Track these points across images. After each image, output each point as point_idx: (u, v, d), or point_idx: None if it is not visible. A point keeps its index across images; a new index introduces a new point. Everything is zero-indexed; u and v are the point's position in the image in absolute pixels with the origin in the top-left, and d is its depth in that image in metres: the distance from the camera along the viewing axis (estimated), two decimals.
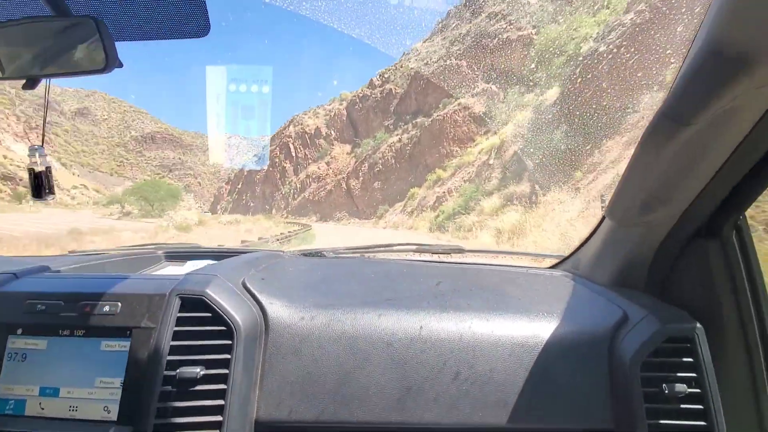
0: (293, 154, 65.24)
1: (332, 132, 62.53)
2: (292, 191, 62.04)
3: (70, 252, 1.50)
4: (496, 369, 0.76)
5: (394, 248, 1.48)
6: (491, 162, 25.98)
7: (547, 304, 0.89)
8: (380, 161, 46.53)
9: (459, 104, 39.17)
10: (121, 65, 0.72)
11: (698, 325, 0.74)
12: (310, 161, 62.77)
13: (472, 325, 0.81)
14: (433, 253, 1.50)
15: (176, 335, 0.76)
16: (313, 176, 59.08)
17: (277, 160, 66.37)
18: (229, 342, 0.76)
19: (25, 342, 0.79)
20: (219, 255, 1.41)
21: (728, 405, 0.72)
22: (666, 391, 0.70)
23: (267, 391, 0.77)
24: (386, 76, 60.04)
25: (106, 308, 0.79)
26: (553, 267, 1.31)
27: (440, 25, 48.85)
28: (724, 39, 0.47)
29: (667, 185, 0.69)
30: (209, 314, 0.78)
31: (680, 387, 0.70)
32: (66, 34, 0.70)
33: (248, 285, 0.89)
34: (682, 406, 0.70)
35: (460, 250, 1.49)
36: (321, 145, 62.49)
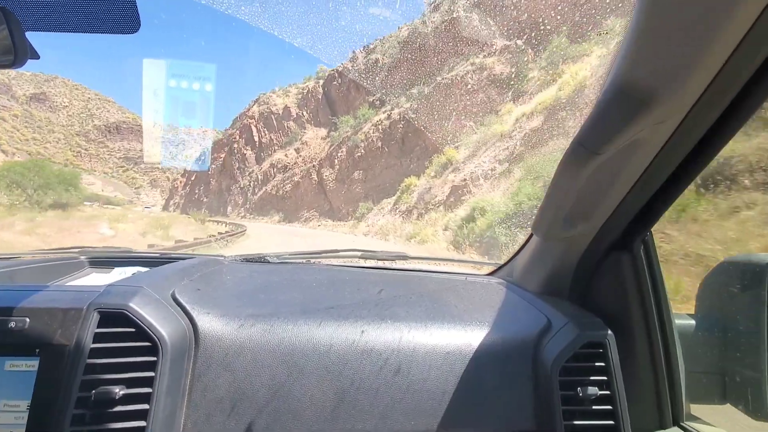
0: (256, 139, 53.17)
1: (304, 113, 50.73)
2: (252, 184, 49.93)
3: None
4: (429, 377, 0.78)
5: (340, 254, 1.53)
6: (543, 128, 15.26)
7: (481, 312, 0.92)
8: (362, 144, 34.95)
9: (472, 64, 28.03)
10: (36, 57, 0.65)
11: (609, 332, 0.80)
12: (276, 148, 50.78)
13: (409, 334, 0.82)
14: (377, 260, 1.52)
15: (94, 353, 0.71)
16: (279, 166, 47.21)
17: (236, 146, 54.15)
18: (154, 359, 0.71)
19: None
20: (151, 261, 1.34)
21: (633, 404, 0.78)
22: (580, 394, 0.75)
23: (194, 409, 0.74)
24: (372, 46, 48.35)
25: (12, 324, 0.72)
26: (490, 274, 1.35)
27: None
28: (628, 81, 0.53)
29: (584, 204, 0.76)
30: (132, 329, 0.73)
31: (592, 390, 0.76)
32: None
33: (178, 296, 0.84)
34: (594, 407, 0.76)
35: (405, 257, 1.53)
36: (290, 129, 50.55)
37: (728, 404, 0.86)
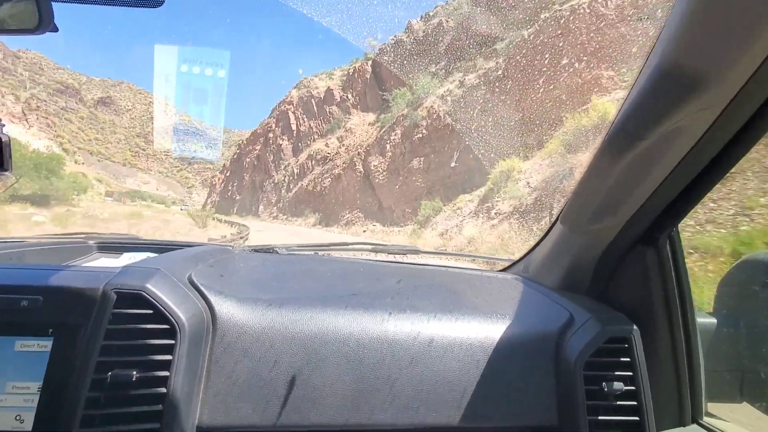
0: (293, 128, 45.89)
1: (349, 96, 42.52)
2: (287, 179, 42.40)
3: None
4: (450, 369, 0.76)
5: (350, 247, 1.50)
6: None
7: (500, 305, 0.91)
8: (424, 123, 25.74)
9: None
10: (55, 29, 0.65)
11: (635, 327, 0.79)
12: (315, 137, 43.02)
13: (429, 326, 0.81)
14: (389, 254, 1.50)
15: (109, 334, 0.68)
16: (318, 157, 39.33)
17: (271, 135, 47.24)
18: (172, 342, 0.69)
19: None
20: (159, 247, 1.33)
21: (656, 400, 0.77)
22: (605, 389, 0.74)
23: (212, 394, 0.72)
24: (432, 13, 38.87)
25: (24, 303, 0.69)
26: (504, 270, 1.33)
27: None
28: (676, 64, 0.51)
29: (615, 196, 0.74)
30: (150, 311, 0.71)
31: (618, 385, 0.74)
32: None
33: (195, 280, 0.82)
34: (619, 402, 0.75)
35: (416, 251, 1.51)
36: (332, 115, 42.53)
37: (745, 402, 0.85)
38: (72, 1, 0.65)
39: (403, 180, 25.94)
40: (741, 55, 0.47)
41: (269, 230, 25.89)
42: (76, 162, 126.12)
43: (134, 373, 0.65)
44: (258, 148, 50.16)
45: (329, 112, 43.77)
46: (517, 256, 1.32)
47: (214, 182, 65.06)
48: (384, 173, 27.95)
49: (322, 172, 36.64)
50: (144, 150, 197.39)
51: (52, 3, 0.62)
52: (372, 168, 29.14)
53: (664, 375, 0.82)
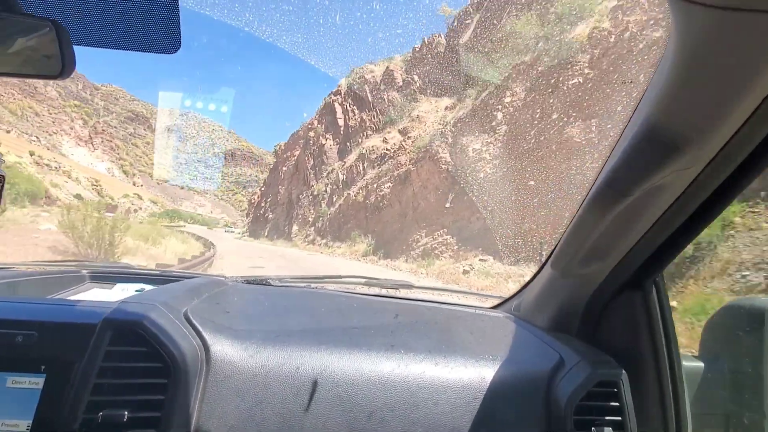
0: (341, 123, 34.68)
1: (415, 78, 30.56)
2: (329, 189, 30.68)
3: None
4: (441, 411, 0.76)
5: (344, 280, 1.50)
6: None
7: (492, 346, 0.92)
8: (581, 60, 12.37)
9: None
10: (72, 72, 0.66)
11: (622, 370, 0.79)
12: (369, 132, 31.34)
13: (422, 367, 0.81)
14: (381, 287, 1.49)
15: (103, 372, 0.67)
16: (372, 157, 27.52)
17: (312, 135, 36.43)
18: (165, 381, 0.68)
19: None
20: (153, 278, 1.33)
21: None
22: None
23: None
24: None
25: (19, 338, 0.68)
26: (495, 307, 1.34)
27: None
28: (659, 126, 0.54)
29: (603, 244, 0.76)
30: (144, 349, 0.69)
31: (607, 430, 0.75)
32: (20, 33, 0.62)
33: (190, 316, 0.81)
34: None
35: (409, 286, 1.51)
36: (392, 103, 30.66)
37: None
38: (94, 46, 0.68)
39: (541, 166, 12.70)
40: (720, 120, 0.50)
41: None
42: (134, 184, 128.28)
43: (125, 413, 0.64)
44: (297, 153, 39.79)
45: (388, 99, 32.04)
46: (509, 294, 1.33)
47: (252, 200, 55.76)
48: (494, 164, 15.00)
49: (379, 175, 24.50)
50: (202, 174, 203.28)
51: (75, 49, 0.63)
52: (466, 156, 16.34)
53: (651, 418, 0.82)
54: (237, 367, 0.74)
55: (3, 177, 0.65)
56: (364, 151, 29.12)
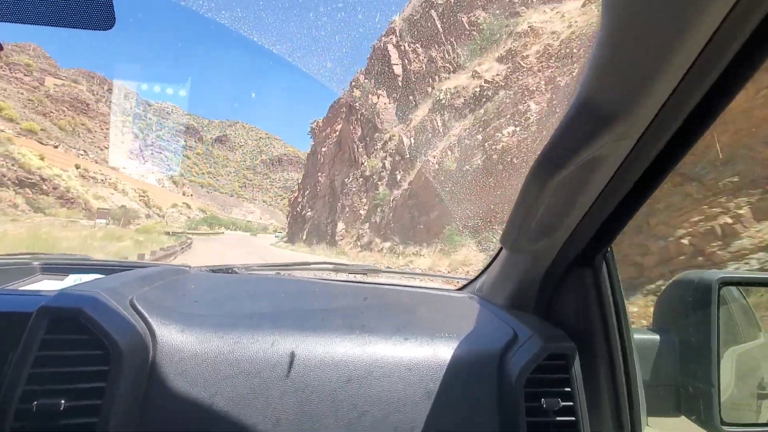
0: (399, 70, 23.81)
1: None
2: (388, 165, 19.59)
3: None
4: (395, 389, 0.77)
5: (311, 266, 1.49)
6: None
7: (449, 325, 0.92)
8: None
9: None
10: (0, 48, 0.65)
11: (572, 343, 0.81)
12: (442, 74, 20.07)
13: (376, 346, 0.81)
14: (350, 273, 1.49)
15: (40, 361, 0.65)
16: (458, 102, 15.90)
17: (357, 95, 25.87)
18: (105, 368, 0.66)
19: None
20: (109, 268, 1.27)
21: (593, 416, 0.80)
22: (544, 405, 0.76)
23: (149, 422, 0.69)
24: None
25: None
26: (460, 289, 1.35)
27: None
28: (590, 99, 0.56)
29: (548, 219, 0.77)
30: (84, 336, 0.67)
31: (556, 401, 0.76)
32: None
33: (136, 303, 0.79)
34: (557, 418, 0.77)
35: (377, 271, 1.51)
36: (477, 25, 19.08)
37: (682, 416, 0.90)
38: (21, 22, 0.65)
39: None
40: (648, 89, 0.51)
41: None
42: (183, 194, 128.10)
43: (62, 402, 0.62)
44: (338, 127, 29.76)
45: (469, 22, 20.70)
46: (473, 275, 1.36)
47: (290, 199, 46.71)
48: None
49: (485, 122, 13.20)
50: (251, 181, 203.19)
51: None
52: None
53: (602, 391, 0.84)
54: (186, 352, 0.73)
55: None
56: (441, 98, 18.06)
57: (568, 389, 0.78)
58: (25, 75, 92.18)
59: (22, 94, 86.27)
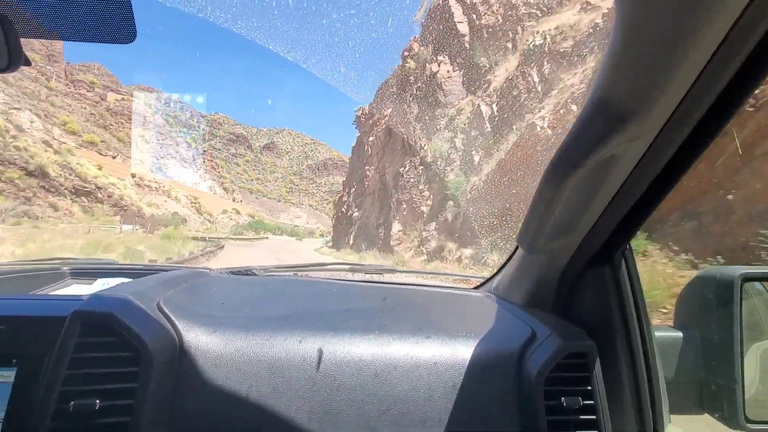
0: (466, 28, 18.78)
1: None
2: (459, 145, 14.39)
3: None
4: (415, 388, 0.77)
5: (328, 267, 1.50)
6: None
7: (467, 324, 0.93)
8: None
9: None
10: (28, 63, 0.66)
11: (592, 342, 0.81)
12: (527, 22, 14.66)
13: (395, 346, 0.82)
14: (366, 273, 1.51)
15: (75, 363, 0.68)
16: (564, 45, 10.44)
17: (411, 67, 21.17)
18: (136, 369, 0.69)
19: None
20: (135, 273, 1.33)
21: (614, 414, 0.79)
22: (564, 404, 0.75)
23: (178, 421, 0.72)
24: None
25: None
26: (477, 287, 1.35)
27: None
28: (604, 99, 0.56)
29: (565, 218, 0.77)
30: (115, 339, 0.70)
31: (577, 400, 0.76)
32: None
33: (163, 306, 0.82)
34: (578, 417, 0.76)
35: (393, 270, 1.53)
36: None
37: (706, 414, 0.89)
38: (44, 38, 0.67)
39: None
40: (660, 92, 0.51)
41: None
42: (233, 200, 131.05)
43: (97, 401, 0.65)
44: (388, 111, 25.36)
45: None
46: (489, 274, 1.34)
47: (335, 200, 43.02)
48: None
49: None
50: (297, 186, 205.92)
51: (21, 40, 0.62)
52: None
53: (623, 389, 0.82)
54: (211, 354, 0.75)
55: None
56: (536, 46, 12.94)
57: (589, 388, 0.77)
58: (87, 91, 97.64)
59: (85, 108, 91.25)
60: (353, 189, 29.41)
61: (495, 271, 1.28)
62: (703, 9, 0.41)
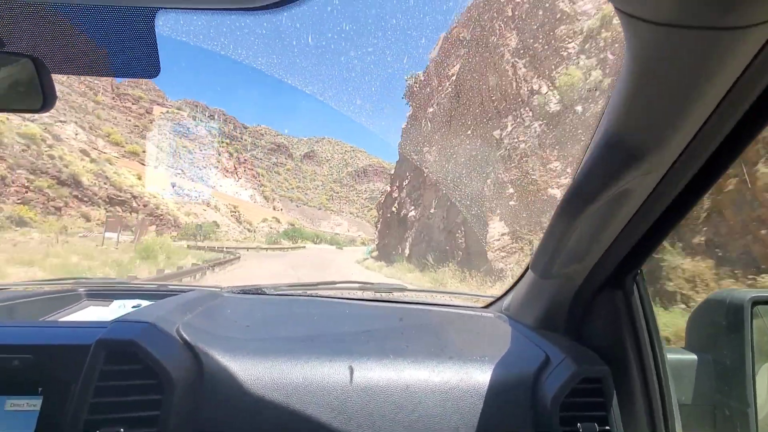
0: (512, 12, 11.43)
1: None
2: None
3: None
4: (431, 414, 0.77)
5: (338, 285, 1.51)
6: None
7: (480, 346, 0.94)
8: None
9: None
10: (54, 104, 0.68)
11: (607, 367, 0.81)
12: None
13: (410, 370, 0.82)
14: (376, 291, 1.52)
15: (99, 391, 0.69)
16: None
17: (465, 36, 14.11)
18: (159, 397, 0.70)
19: None
20: (149, 293, 1.36)
21: None
22: (580, 430, 0.76)
23: None
24: None
25: (15, 362, 0.70)
26: (487, 306, 1.35)
27: None
28: (617, 136, 0.57)
29: (578, 247, 0.78)
30: (138, 366, 0.71)
31: (593, 426, 0.76)
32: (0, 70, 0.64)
33: (183, 332, 0.83)
34: None
35: (402, 289, 1.54)
36: None
37: None
38: (74, 74, 0.69)
39: None
40: (675, 128, 0.52)
41: None
42: (274, 208, 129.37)
43: (121, 430, 0.66)
44: (455, 70, 18.30)
45: None
46: (499, 293, 1.33)
47: (380, 201, 36.28)
48: None
49: None
50: (338, 193, 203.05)
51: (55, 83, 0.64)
52: None
53: (637, 412, 0.82)
54: (230, 380, 0.76)
55: None
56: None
57: (603, 413, 0.77)
58: (132, 104, 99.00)
59: (129, 120, 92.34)
60: (406, 182, 22.44)
61: (505, 289, 1.27)
62: (718, 53, 0.42)
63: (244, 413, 0.73)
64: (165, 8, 0.51)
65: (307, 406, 0.75)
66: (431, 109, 19.54)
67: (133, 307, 1.20)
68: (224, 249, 25.18)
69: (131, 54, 0.66)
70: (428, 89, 20.69)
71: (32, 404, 0.68)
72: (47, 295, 1.20)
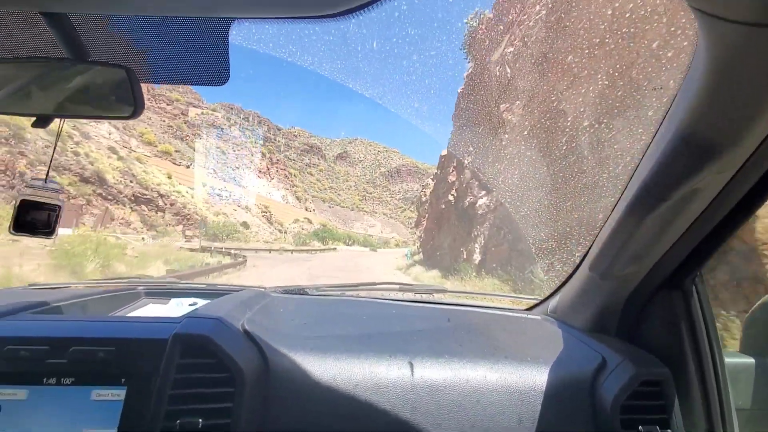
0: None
1: None
2: None
3: (30, 285, 1.33)
4: (488, 415, 0.78)
5: (378, 287, 1.51)
6: None
7: (533, 348, 0.93)
8: None
9: None
10: (143, 111, 0.71)
11: (667, 369, 0.80)
12: None
13: (465, 371, 0.83)
14: (415, 293, 1.51)
15: (177, 383, 0.73)
16: None
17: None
18: (231, 390, 0.73)
19: (0, 392, 0.71)
20: (202, 293, 1.41)
21: None
22: None
23: None
24: None
25: (101, 354, 0.74)
26: (530, 309, 1.33)
27: None
28: (693, 135, 0.56)
29: (641, 246, 0.77)
30: (212, 360, 0.75)
31: (654, 429, 0.75)
32: (94, 78, 0.68)
33: (248, 329, 0.87)
34: None
35: (443, 290, 1.54)
36: None
37: None
38: (156, 83, 0.74)
39: None
40: (750, 126, 0.52)
41: None
42: (306, 209, 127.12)
43: (200, 420, 0.69)
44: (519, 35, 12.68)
45: None
46: (542, 296, 1.32)
47: (423, 196, 30.81)
48: None
49: None
50: (371, 194, 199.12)
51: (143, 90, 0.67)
52: None
53: (695, 417, 0.82)
54: (294, 375, 0.78)
55: (59, 207, 0.74)
56: None
57: (665, 416, 0.76)
58: (167, 105, 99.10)
59: (164, 121, 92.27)
60: (452, 169, 16.73)
61: (549, 293, 1.25)
62: None
63: (312, 409, 0.75)
64: (240, 18, 0.53)
65: (372, 402, 0.76)
66: (510, 49, 13.82)
67: (190, 305, 1.23)
68: (231, 251, 20.56)
69: (205, 62, 0.69)
70: (499, 28, 14.99)
71: (116, 394, 0.71)
72: (111, 293, 1.25)
